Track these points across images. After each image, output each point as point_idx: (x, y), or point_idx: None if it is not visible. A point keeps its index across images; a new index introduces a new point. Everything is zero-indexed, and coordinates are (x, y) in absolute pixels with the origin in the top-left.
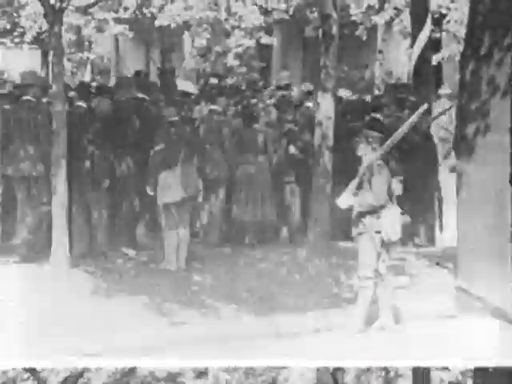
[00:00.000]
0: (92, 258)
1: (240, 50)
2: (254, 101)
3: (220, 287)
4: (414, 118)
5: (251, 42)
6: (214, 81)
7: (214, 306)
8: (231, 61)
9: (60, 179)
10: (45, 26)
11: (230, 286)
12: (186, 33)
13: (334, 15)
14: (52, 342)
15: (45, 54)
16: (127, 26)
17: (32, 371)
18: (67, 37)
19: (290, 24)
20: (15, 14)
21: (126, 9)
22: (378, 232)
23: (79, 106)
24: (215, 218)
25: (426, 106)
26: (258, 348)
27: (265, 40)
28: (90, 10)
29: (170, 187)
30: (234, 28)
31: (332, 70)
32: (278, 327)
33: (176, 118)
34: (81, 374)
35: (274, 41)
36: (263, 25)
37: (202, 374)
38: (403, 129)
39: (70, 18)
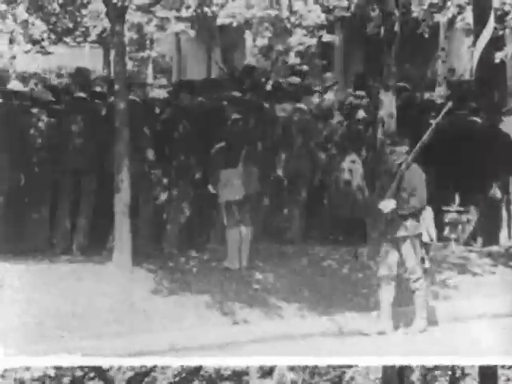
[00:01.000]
0: (154, 257)
1: (301, 48)
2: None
3: (282, 286)
4: (439, 117)
5: (313, 41)
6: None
7: (277, 305)
8: (292, 59)
9: (123, 177)
10: (107, 25)
11: (293, 285)
12: (248, 31)
13: (396, 13)
14: (114, 341)
15: (106, 53)
16: (189, 25)
17: (98, 370)
18: (129, 35)
19: (352, 22)
20: (77, 13)
21: (187, 7)
22: (420, 234)
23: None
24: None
25: (450, 104)
26: (322, 347)
27: (326, 38)
28: (152, 9)
29: (231, 185)
30: (295, 26)
31: (394, 68)
32: (341, 326)
33: (239, 116)
34: (146, 373)
35: (335, 39)
36: (325, 23)
37: (267, 373)
38: (432, 129)
39: (132, 17)
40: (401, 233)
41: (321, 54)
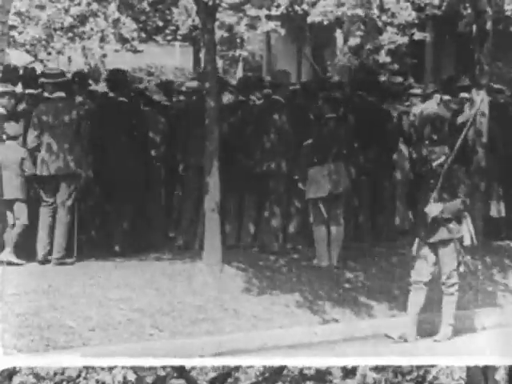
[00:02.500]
0: (244, 255)
1: (392, 46)
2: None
3: (373, 285)
4: (471, 120)
5: (404, 39)
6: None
7: (367, 304)
8: (383, 58)
9: (212, 175)
10: (197, 23)
11: (383, 284)
12: (338, 30)
13: (489, 11)
14: (203, 339)
15: (197, 52)
16: (279, 23)
17: (180, 370)
18: (219, 34)
19: (443, 19)
20: (167, 12)
21: (278, 6)
22: (461, 237)
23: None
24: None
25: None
26: (411, 346)
27: (418, 36)
28: (243, 7)
29: (317, 183)
30: (386, 25)
31: (486, 66)
32: (431, 326)
33: (333, 115)
34: (229, 373)
35: (426, 37)
36: (416, 21)
37: (349, 372)
38: (466, 130)
39: (222, 15)
40: (443, 235)
41: (412, 53)
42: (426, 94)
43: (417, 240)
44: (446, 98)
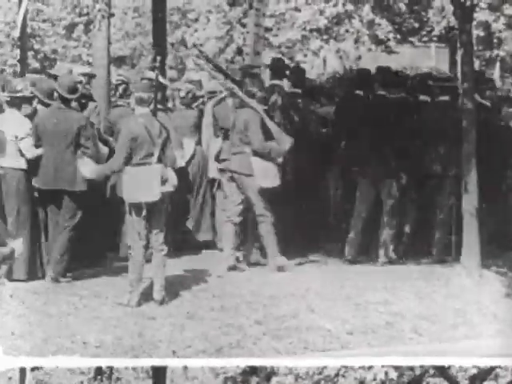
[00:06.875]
0: (504, 259)
1: None
2: None
3: None
4: None
5: None
6: None
7: None
8: None
9: (471, 178)
10: (453, 24)
11: None
12: None
13: None
14: (462, 343)
15: (453, 53)
16: None
17: (440, 368)
18: (475, 33)
19: None
20: (423, 13)
21: None
22: None
23: None
24: None
25: None
26: None
27: None
28: (501, 7)
29: None
30: None
31: None
32: None
33: None
34: (489, 371)
35: None
36: None
37: None
38: None
39: (479, 15)
40: None
41: None
42: None
43: None
44: None
